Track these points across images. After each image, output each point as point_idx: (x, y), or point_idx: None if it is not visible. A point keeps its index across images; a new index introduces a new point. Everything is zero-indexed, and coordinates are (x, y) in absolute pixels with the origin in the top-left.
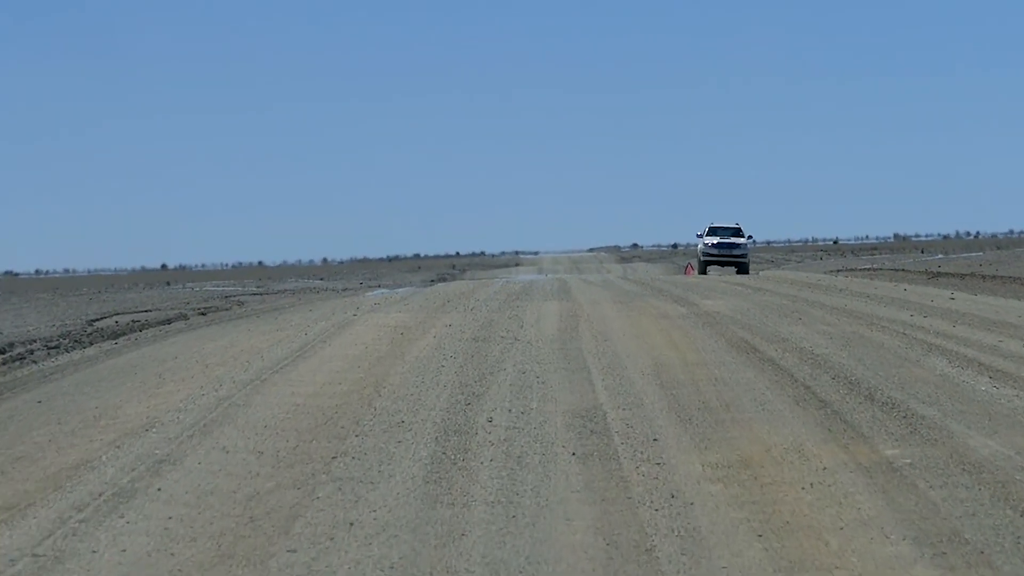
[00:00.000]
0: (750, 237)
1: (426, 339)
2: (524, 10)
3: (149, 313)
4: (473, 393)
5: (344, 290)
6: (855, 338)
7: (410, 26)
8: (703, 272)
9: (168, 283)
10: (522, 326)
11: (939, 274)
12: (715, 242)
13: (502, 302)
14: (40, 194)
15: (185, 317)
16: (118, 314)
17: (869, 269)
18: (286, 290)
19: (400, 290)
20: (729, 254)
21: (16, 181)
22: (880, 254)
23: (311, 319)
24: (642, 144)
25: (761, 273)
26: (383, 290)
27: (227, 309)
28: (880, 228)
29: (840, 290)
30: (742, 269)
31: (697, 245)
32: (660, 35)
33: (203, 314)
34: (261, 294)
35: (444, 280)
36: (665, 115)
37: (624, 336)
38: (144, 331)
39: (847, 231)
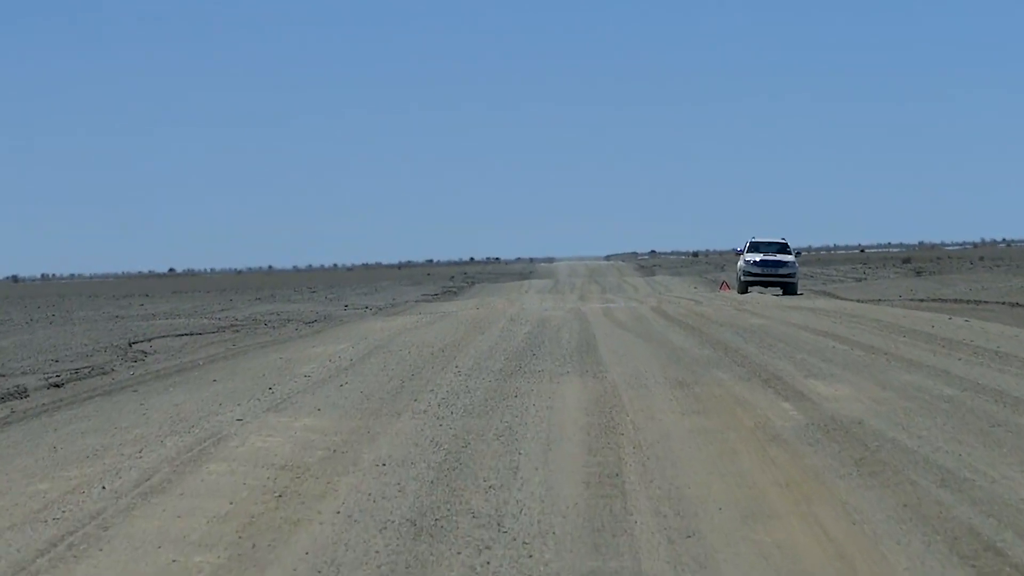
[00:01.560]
0: (798, 253)
1: (316, 526)
2: (538, 18)
3: None
4: None
5: (312, 323)
6: None
7: (430, 35)
8: (743, 292)
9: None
10: (516, 470)
11: None
12: (758, 259)
13: (494, 380)
14: (43, 196)
15: (23, 394)
16: None
17: (971, 302)
18: (236, 324)
19: (375, 320)
20: (774, 273)
21: (16, 182)
22: (921, 266)
23: (177, 420)
24: (658, 151)
25: (819, 303)
26: (359, 322)
27: (107, 373)
28: (898, 234)
29: (998, 354)
30: (789, 290)
31: (737, 262)
32: (673, 41)
33: (59, 386)
34: (192, 335)
35: (447, 294)
36: (681, 122)
37: (722, 517)
38: None
39: (862, 237)
